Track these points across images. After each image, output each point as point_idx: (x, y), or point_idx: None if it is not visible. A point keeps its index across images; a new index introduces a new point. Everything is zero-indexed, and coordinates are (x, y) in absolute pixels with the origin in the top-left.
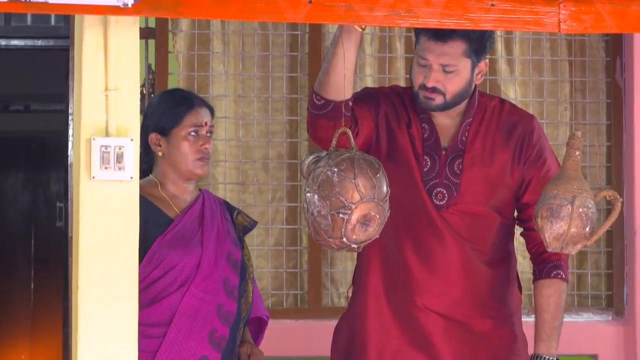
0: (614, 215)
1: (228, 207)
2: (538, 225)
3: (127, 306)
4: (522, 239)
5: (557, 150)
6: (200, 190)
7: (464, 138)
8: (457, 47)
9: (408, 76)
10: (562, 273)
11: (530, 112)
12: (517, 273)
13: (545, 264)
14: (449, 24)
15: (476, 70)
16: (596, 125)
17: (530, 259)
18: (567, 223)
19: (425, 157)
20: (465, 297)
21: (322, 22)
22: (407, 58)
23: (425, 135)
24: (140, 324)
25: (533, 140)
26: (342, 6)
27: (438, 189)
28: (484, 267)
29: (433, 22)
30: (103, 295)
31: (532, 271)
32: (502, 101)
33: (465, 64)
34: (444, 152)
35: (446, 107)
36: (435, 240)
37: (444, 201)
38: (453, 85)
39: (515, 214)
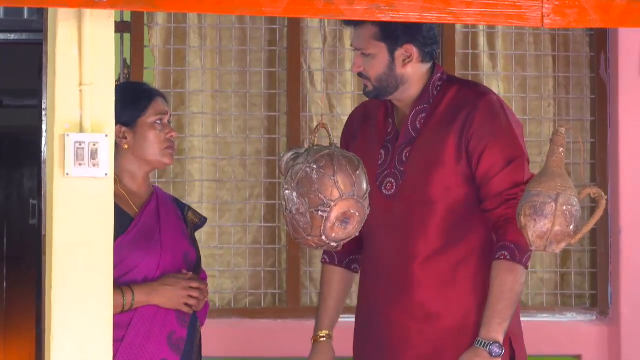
0: (599, 212)
1: (178, 205)
2: (521, 223)
3: (102, 305)
4: None
5: (541, 147)
6: (153, 186)
7: (417, 125)
8: (366, 31)
9: None
10: (506, 253)
11: (489, 98)
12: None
13: (500, 246)
14: (430, 17)
15: (398, 56)
16: (580, 121)
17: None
18: (551, 221)
19: (381, 151)
20: (409, 291)
21: (301, 16)
22: None
23: (389, 129)
24: None
25: (475, 119)
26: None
27: (388, 179)
28: (433, 259)
29: (414, 16)
30: (77, 294)
31: None
32: (462, 85)
33: (380, 48)
34: (397, 143)
35: (378, 93)
36: (377, 236)
37: (392, 190)
38: (372, 70)
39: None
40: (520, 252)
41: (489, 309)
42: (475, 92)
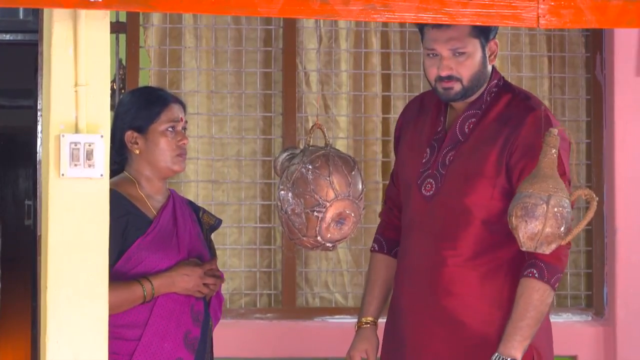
0: (589, 214)
1: (193, 208)
2: (512, 224)
3: (97, 306)
4: None
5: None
6: (169, 189)
7: (466, 130)
8: (462, 29)
9: (384, 72)
10: (534, 272)
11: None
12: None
13: (525, 262)
14: (426, 18)
15: (487, 51)
16: (576, 122)
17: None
18: (542, 222)
19: (427, 150)
20: (432, 297)
21: (296, 17)
22: (383, 53)
23: (439, 128)
24: (115, 325)
25: (522, 133)
26: (317, 0)
27: (428, 180)
28: (459, 268)
29: (410, 17)
30: (72, 295)
31: None
32: (516, 94)
33: (475, 45)
34: (443, 144)
35: (466, 93)
36: (411, 236)
37: (431, 192)
38: (467, 69)
39: None
40: (549, 272)
41: (512, 325)
42: (525, 105)
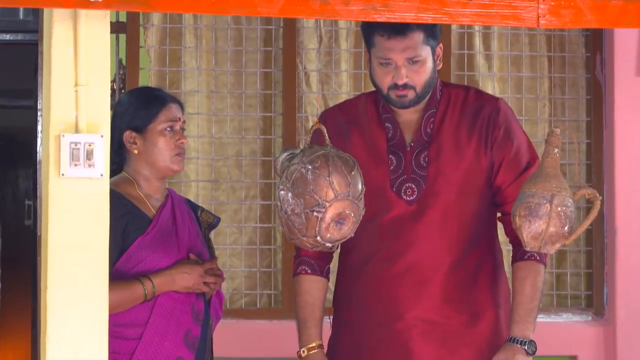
0: (593, 214)
1: (192, 206)
2: (516, 224)
3: (97, 306)
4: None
5: (537, 147)
6: (167, 189)
7: (428, 130)
8: (416, 38)
9: None
10: (536, 255)
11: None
12: (502, 265)
13: (521, 246)
14: (426, 18)
15: (436, 57)
16: (576, 122)
17: (509, 242)
18: (546, 222)
19: (390, 156)
20: (438, 294)
21: (296, 17)
22: None
23: (389, 134)
24: (115, 324)
25: (499, 122)
26: (317, 0)
27: (407, 185)
28: (458, 261)
29: (410, 17)
30: (72, 295)
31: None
32: (467, 89)
33: (427, 52)
34: (408, 148)
35: (418, 100)
36: (404, 240)
37: (414, 196)
38: (420, 76)
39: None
40: (544, 253)
41: (522, 307)
42: (487, 96)
